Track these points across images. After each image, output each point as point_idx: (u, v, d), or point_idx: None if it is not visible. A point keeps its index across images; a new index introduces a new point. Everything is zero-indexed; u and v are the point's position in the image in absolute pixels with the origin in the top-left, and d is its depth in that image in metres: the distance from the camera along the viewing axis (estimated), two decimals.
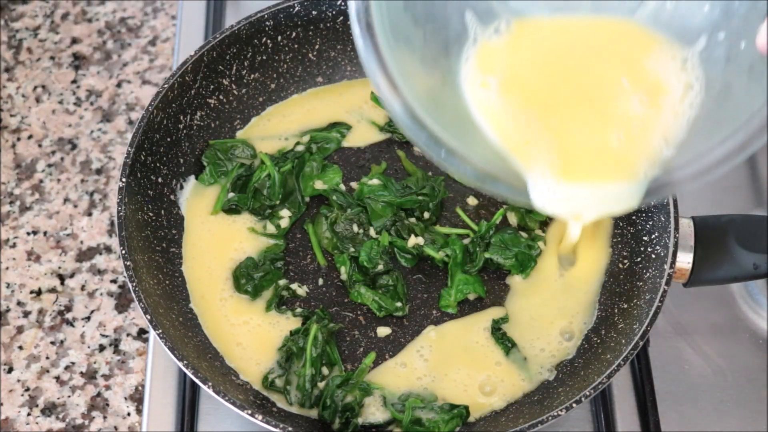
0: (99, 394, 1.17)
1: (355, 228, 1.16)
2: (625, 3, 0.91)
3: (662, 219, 1.10)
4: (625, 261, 1.15)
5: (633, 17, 0.91)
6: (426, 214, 1.18)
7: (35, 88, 1.41)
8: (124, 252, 1.05)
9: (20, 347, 1.20)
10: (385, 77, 0.83)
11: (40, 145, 1.36)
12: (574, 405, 0.98)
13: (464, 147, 0.87)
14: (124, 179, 1.10)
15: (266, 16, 1.21)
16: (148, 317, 1.01)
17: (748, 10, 0.85)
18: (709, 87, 0.89)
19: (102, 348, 1.20)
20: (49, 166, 1.34)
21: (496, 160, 0.90)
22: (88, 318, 1.22)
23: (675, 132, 0.89)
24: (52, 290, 1.24)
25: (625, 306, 1.10)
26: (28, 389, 1.18)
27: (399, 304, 1.13)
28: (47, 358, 1.20)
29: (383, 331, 1.12)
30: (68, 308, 1.23)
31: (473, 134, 0.90)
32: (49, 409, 1.16)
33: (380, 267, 1.14)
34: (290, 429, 0.96)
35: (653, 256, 1.10)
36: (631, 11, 0.91)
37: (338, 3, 1.23)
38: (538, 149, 0.89)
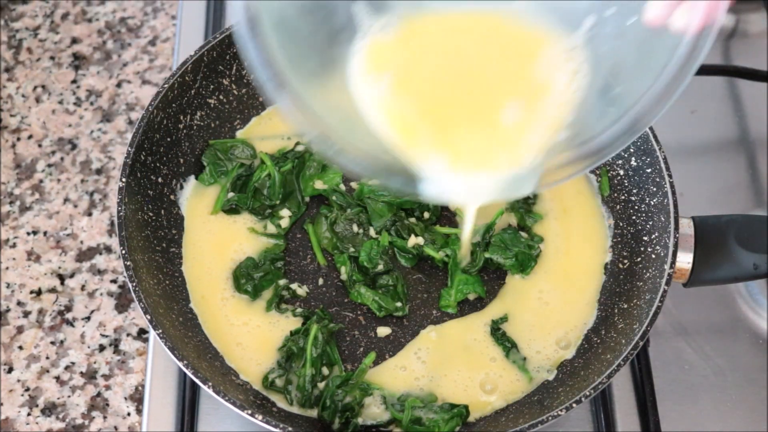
0: (99, 394, 1.17)
1: (355, 228, 1.16)
2: None
3: (662, 219, 1.10)
4: (625, 261, 1.15)
5: (520, 4, 0.90)
6: (426, 214, 1.18)
7: (35, 88, 1.41)
8: (124, 252, 1.05)
9: (20, 347, 1.20)
10: (272, 74, 0.81)
11: (40, 145, 1.36)
12: (574, 405, 0.98)
13: (355, 141, 0.88)
14: (124, 179, 1.10)
15: None
16: (148, 317, 1.01)
17: None
18: (597, 67, 0.88)
19: (102, 348, 1.20)
20: (49, 166, 1.34)
21: (385, 154, 0.90)
22: (88, 318, 1.22)
23: (560, 120, 0.89)
24: (52, 290, 1.24)
25: (625, 306, 1.10)
26: (28, 389, 1.18)
27: (399, 304, 1.13)
28: (47, 358, 1.20)
29: (383, 331, 1.12)
30: (68, 308, 1.23)
31: (362, 128, 0.90)
32: (49, 409, 1.16)
33: (380, 267, 1.14)
34: (290, 429, 0.96)
35: (653, 256, 1.10)
36: None
37: None
38: (427, 144, 0.89)
